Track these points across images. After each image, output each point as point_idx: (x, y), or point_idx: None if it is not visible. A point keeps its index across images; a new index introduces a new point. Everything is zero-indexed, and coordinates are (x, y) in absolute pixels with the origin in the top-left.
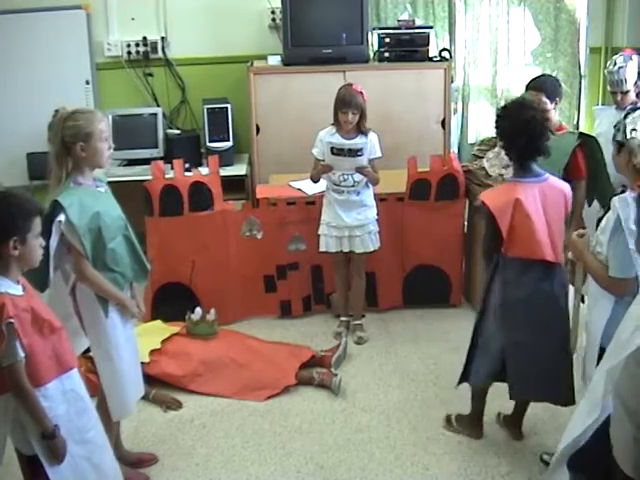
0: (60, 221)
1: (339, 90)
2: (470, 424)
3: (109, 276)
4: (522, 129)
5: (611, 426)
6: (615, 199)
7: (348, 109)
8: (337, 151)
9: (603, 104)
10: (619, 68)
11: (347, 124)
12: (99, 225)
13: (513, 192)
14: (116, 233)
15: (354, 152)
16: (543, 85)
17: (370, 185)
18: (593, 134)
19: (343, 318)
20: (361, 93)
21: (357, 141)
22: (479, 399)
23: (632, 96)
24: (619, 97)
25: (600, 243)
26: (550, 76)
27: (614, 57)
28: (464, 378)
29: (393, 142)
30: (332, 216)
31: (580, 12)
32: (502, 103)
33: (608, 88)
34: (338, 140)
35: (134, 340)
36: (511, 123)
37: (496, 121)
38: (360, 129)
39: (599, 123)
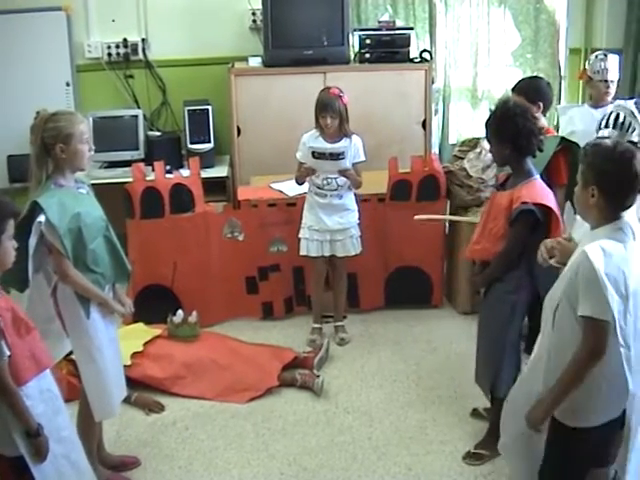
0: (40, 222)
1: (319, 94)
2: (493, 441)
3: (90, 277)
4: (524, 123)
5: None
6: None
7: (326, 113)
8: (318, 155)
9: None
10: (604, 59)
11: (328, 128)
12: (79, 226)
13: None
14: (97, 234)
15: (335, 156)
16: (525, 88)
17: (352, 189)
18: (563, 134)
19: (316, 325)
20: (340, 97)
21: (339, 145)
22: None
23: (613, 91)
24: (603, 88)
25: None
26: (538, 78)
27: (594, 53)
28: (495, 391)
29: (374, 143)
30: (314, 220)
31: (560, 13)
32: (484, 104)
33: (592, 76)
34: (320, 145)
35: (117, 342)
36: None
37: (495, 123)
38: (343, 132)
39: (569, 121)
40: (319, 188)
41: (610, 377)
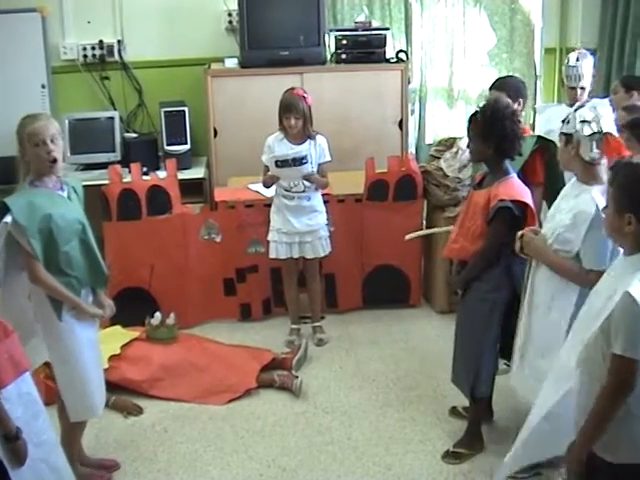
0: (6, 222)
1: (282, 95)
2: (472, 439)
3: (63, 280)
4: (512, 127)
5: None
6: (594, 191)
7: (290, 114)
8: (281, 163)
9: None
10: (577, 64)
11: (292, 129)
12: (50, 227)
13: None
14: (71, 236)
15: (298, 161)
16: (505, 85)
17: (319, 190)
18: (540, 133)
19: (294, 326)
20: (304, 97)
21: (300, 149)
22: (483, 406)
23: (587, 94)
24: (578, 93)
25: (564, 241)
26: (513, 77)
27: (569, 54)
28: (475, 391)
29: (351, 143)
30: (282, 222)
31: (535, 13)
32: (460, 104)
33: (566, 83)
34: (282, 151)
35: (97, 344)
36: (493, 119)
37: (483, 122)
38: (307, 133)
39: (547, 120)
40: (287, 191)
41: None
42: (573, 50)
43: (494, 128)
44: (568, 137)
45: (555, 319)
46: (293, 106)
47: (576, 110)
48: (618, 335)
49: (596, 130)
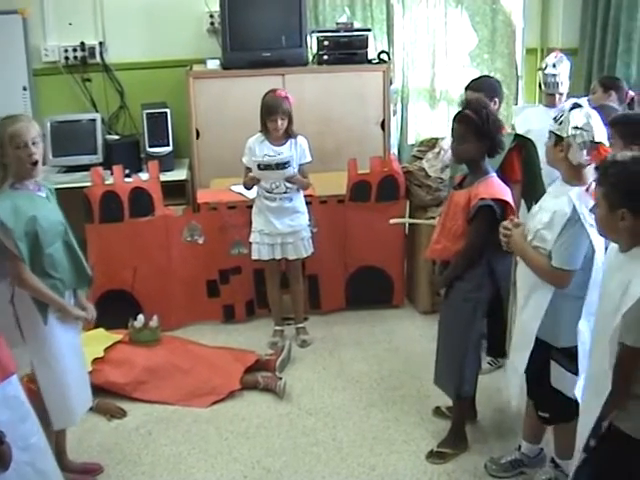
0: None
1: (264, 98)
2: (456, 439)
3: (48, 282)
4: (495, 125)
5: None
6: (572, 193)
7: (276, 116)
8: (264, 167)
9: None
10: (555, 71)
11: (277, 131)
12: (35, 229)
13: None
14: (55, 238)
15: (281, 166)
16: (482, 85)
17: (301, 190)
18: (520, 132)
19: (277, 328)
20: (286, 98)
21: (284, 152)
22: (467, 406)
23: (565, 96)
24: (557, 98)
25: (542, 238)
26: (489, 77)
27: (546, 59)
28: (459, 390)
29: (333, 144)
30: (264, 223)
31: (516, 14)
32: (442, 104)
33: (544, 89)
34: (264, 154)
35: (80, 349)
36: (488, 117)
37: (480, 121)
38: (289, 134)
39: (525, 120)
40: (268, 192)
41: None
42: (555, 50)
43: (490, 126)
44: (558, 138)
45: (528, 316)
46: (278, 107)
47: (570, 110)
48: (631, 329)
49: (589, 139)
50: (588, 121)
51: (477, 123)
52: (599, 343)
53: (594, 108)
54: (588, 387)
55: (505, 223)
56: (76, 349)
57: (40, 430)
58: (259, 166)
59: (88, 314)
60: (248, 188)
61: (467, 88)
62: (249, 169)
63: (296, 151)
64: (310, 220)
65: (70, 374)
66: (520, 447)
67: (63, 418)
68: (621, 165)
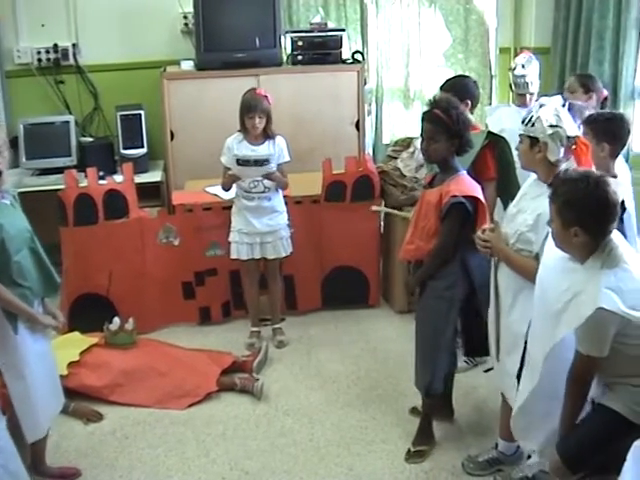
0: None
1: (243, 96)
2: (426, 435)
3: (17, 291)
4: (465, 121)
5: None
6: None
7: (254, 114)
8: (243, 162)
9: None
10: (524, 72)
11: (255, 129)
12: (2, 237)
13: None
14: (21, 245)
15: (260, 162)
16: (454, 86)
17: (280, 190)
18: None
19: (253, 329)
20: (266, 97)
21: (263, 151)
22: (436, 403)
23: (536, 95)
24: (527, 98)
25: (526, 241)
26: (465, 77)
27: (515, 60)
28: (431, 387)
29: (308, 145)
30: (243, 223)
31: (489, 13)
32: (416, 104)
33: (515, 90)
34: (242, 152)
35: (50, 356)
36: (458, 116)
37: (450, 120)
38: (267, 133)
39: (497, 119)
40: (247, 192)
41: None
42: (528, 49)
43: (460, 125)
44: (533, 140)
45: (516, 319)
46: (256, 106)
47: (537, 112)
48: (582, 336)
49: (563, 134)
50: (559, 118)
51: (446, 122)
52: (537, 334)
53: (563, 106)
54: (525, 374)
55: (479, 234)
56: (46, 358)
57: (7, 433)
58: (238, 162)
59: (58, 322)
60: (227, 189)
61: (441, 88)
62: (228, 169)
63: (275, 151)
64: (289, 219)
65: (40, 386)
66: (497, 445)
67: (33, 431)
68: (571, 184)
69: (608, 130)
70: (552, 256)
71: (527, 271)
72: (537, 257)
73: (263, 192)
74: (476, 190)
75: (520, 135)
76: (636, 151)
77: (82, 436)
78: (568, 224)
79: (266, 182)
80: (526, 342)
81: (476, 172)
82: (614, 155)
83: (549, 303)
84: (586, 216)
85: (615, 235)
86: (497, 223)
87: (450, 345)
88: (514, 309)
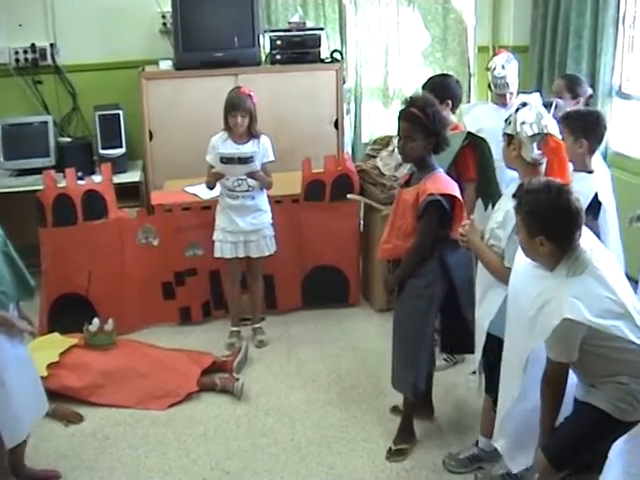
0: None
1: (228, 94)
2: (407, 433)
3: None
4: (442, 120)
5: None
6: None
7: (237, 112)
8: (227, 160)
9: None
10: (504, 72)
11: (238, 127)
12: None
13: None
14: None
15: (244, 160)
16: (433, 85)
17: (264, 189)
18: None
19: (234, 328)
20: (250, 96)
21: (247, 149)
22: (418, 401)
23: (515, 94)
24: (507, 97)
25: (497, 237)
26: (447, 76)
27: (494, 60)
28: (415, 387)
29: (287, 144)
30: (227, 221)
31: (468, 12)
32: (395, 103)
33: (494, 90)
34: (227, 150)
35: (30, 361)
36: (435, 115)
37: (427, 119)
38: (252, 132)
39: (475, 118)
40: (230, 190)
41: None
42: (506, 48)
43: (437, 124)
44: (510, 138)
45: (482, 314)
46: (240, 105)
47: (517, 110)
48: (554, 346)
49: (537, 131)
50: (536, 116)
51: (423, 121)
52: (513, 339)
53: (544, 104)
54: (503, 381)
55: (460, 230)
56: (26, 363)
57: None
58: (222, 160)
59: (33, 327)
60: (211, 187)
61: (423, 87)
62: (213, 167)
63: (259, 149)
64: (273, 218)
65: (19, 391)
66: (478, 442)
67: (12, 436)
68: (534, 194)
69: (585, 126)
70: (523, 262)
71: (492, 267)
72: (502, 256)
73: (247, 191)
74: (453, 188)
75: (502, 133)
76: (614, 149)
77: (62, 438)
78: (533, 234)
79: (250, 181)
80: (500, 342)
81: (456, 172)
82: (591, 151)
83: (522, 309)
84: (550, 225)
85: (585, 238)
86: (473, 219)
87: (429, 343)
88: (482, 304)
